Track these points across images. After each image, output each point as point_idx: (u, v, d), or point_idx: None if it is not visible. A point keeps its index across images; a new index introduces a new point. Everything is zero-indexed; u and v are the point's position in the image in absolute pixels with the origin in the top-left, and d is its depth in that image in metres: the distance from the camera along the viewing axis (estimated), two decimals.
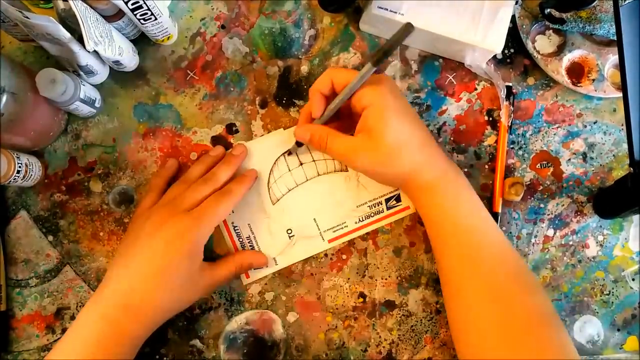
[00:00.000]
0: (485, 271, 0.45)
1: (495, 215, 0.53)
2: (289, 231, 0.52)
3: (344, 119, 0.50)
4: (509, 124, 0.54)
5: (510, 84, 0.55)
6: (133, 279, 0.44)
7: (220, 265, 0.49)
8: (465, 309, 0.45)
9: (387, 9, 0.50)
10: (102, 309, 0.44)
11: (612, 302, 0.53)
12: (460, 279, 0.46)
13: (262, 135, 0.54)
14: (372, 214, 0.53)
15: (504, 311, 0.43)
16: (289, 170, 0.53)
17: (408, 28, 0.38)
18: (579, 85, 0.55)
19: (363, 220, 0.53)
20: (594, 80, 0.55)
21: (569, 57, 0.55)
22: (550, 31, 0.56)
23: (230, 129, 0.54)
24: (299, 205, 0.53)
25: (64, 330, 0.51)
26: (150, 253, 0.45)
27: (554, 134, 0.55)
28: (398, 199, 0.53)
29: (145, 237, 0.45)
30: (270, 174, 0.53)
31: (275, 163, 0.53)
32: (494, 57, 0.55)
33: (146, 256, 0.45)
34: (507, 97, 0.54)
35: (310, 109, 0.49)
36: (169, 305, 0.46)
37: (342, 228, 0.53)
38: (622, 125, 0.55)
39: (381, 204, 0.53)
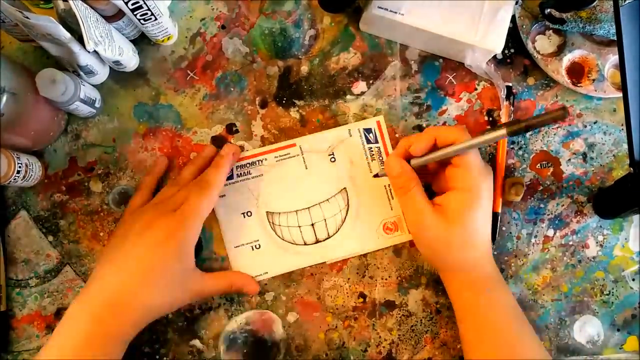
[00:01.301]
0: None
1: (495, 216, 0.53)
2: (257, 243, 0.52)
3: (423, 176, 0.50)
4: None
5: (510, 84, 0.55)
6: (121, 277, 0.44)
7: (211, 277, 0.49)
8: None
9: (387, 9, 0.50)
10: (89, 307, 0.43)
11: (612, 302, 0.53)
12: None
13: (262, 134, 0.54)
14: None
15: None
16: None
17: (563, 114, 0.36)
18: (579, 85, 0.55)
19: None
20: (594, 80, 0.55)
21: (569, 57, 0.55)
22: (550, 31, 0.56)
23: (230, 129, 0.54)
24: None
25: None
26: (139, 252, 0.45)
27: (554, 134, 0.55)
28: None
29: (134, 236, 0.45)
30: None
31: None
32: (494, 57, 0.55)
33: (134, 255, 0.45)
34: (507, 97, 0.54)
35: (414, 142, 0.47)
36: (157, 304, 0.45)
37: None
38: (622, 125, 0.55)
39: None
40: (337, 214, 0.52)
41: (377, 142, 0.54)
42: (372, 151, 0.53)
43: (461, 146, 0.45)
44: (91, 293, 0.44)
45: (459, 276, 0.48)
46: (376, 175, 0.53)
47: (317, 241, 0.52)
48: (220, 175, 0.49)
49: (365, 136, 0.54)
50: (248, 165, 0.53)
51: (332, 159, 0.53)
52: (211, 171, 0.49)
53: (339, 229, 0.52)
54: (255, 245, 0.52)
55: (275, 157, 0.53)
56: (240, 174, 0.53)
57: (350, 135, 0.53)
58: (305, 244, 0.52)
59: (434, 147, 0.47)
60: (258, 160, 0.53)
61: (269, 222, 0.52)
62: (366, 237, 0.52)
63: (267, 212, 0.52)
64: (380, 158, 0.53)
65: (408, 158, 0.48)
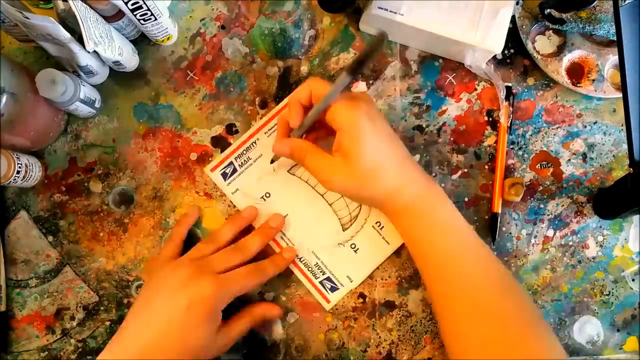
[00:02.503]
0: (469, 290, 0.44)
1: (495, 216, 0.53)
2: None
3: (322, 129, 0.49)
4: (509, 125, 0.54)
5: (510, 84, 0.55)
6: (151, 336, 0.43)
7: (234, 324, 0.48)
8: (455, 326, 0.45)
9: (387, 9, 0.50)
10: (122, 356, 0.43)
11: (612, 303, 0.53)
12: (445, 299, 0.45)
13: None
14: (310, 269, 0.52)
15: (491, 325, 0.43)
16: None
17: (383, 37, 0.37)
18: (579, 85, 0.55)
19: (302, 260, 0.52)
20: (594, 80, 0.55)
21: (568, 58, 0.55)
22: (550, 31, 0.56)
23: (230, 129, 0.54)
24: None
25: (63, 331, 0.51)
26: (171, 312, 0.43)
27: (554, 135, 0.55)
28: (333, 289, 0.52)
29: (169, 292, 0.44)
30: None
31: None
32: (494, 57, 0.55)
33: (166, 316, 0.44)
34: (507, 97, 0.54)
35: (288, 118, 0.48)
36: None
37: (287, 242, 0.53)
38: (622, 125, 0.55)
39: (323, 274, 0.52)
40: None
41: None
42: None
43: (320, 103, 0.44)
44: (121, 345, 0.44)
45: (389, 208, 0.46)
46: (272, 161, 0.52)
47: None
48: (276, 273, 0.50)
49: None
50: (244, 152, 0.53)
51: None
52: (271, 266, 0.49)
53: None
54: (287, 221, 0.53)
55: (265, 132, 0.53)
56: (242, 163, 0.53)
57: None
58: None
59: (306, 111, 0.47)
60: (251, 143, 0.53)
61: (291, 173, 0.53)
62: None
63: (270, 162, 0.52)
64: None
65: (289, 133, 0.49)
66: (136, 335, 0.44)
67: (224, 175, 0.53)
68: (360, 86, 0.55)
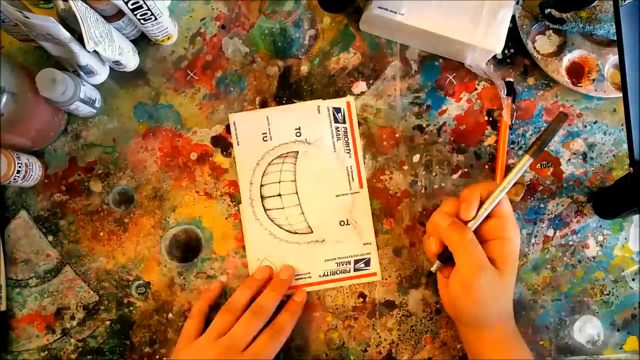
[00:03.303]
0: None
1: None
2: (258, 260, 0.52)
3: None
4: (512, 122, 0.54)
5: (512, 80, 0.55)
6: None
7: None
8: None
9: (387, 9, 0.50)
10: None
11: (612, 302, 0.53)
12: None
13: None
14: (338, 272, 0.52)
15: None
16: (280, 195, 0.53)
17: (563, 118, 0.38)
18: (579, 85, 0.55)
19: (327, 276, 0.52)
20: (594, 80, 0.55)
21: (569, 57, 0.55)
22: (550, 31, 0.56)
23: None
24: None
25: (63, 331, 0.51)
26: None
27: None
28: (367, 263, 0.52)
29: None
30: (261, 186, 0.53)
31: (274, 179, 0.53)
32: (494, 57, 0.55)
33: None
34: (508, 93, 0.54)
35: (462, 209, 0.46)
36: None
37: (304, 277, 0.52)
38: (622, 125, 0.55)
39: (349, 264, 0.52)
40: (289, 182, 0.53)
41: (344, 122, 0.54)
42: (339, 131, 0.54)
43: (499, 191, 0.45)
44: None
45: (489, 332, 0.46)
46: (430, 274, 0.49)
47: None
48: (294, 321, 0.49)
49: (334, 115, 0.54)
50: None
51: (298, 134, 0.53)
52: (287, 317, 0.49)
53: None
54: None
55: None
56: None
57: (319, 112, 0.54)
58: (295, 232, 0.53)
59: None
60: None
61: (263, 207, 0.53)
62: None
63: (261, 197, 0.53)
64: (346, 139, 0.54)
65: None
66: None
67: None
68: (360, 86, 0.55)
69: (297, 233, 0.52)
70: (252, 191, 0.53)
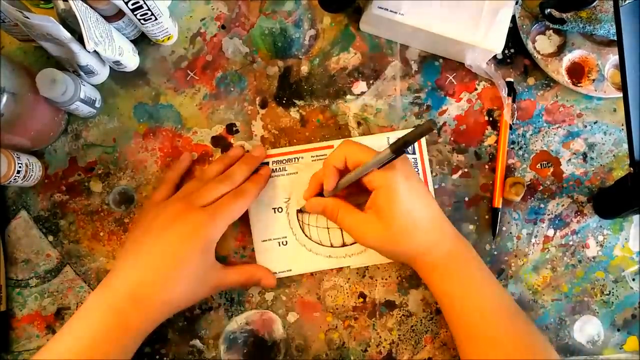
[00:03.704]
0: (495, 345, 0.45)
1: (495, 211, 0.53)
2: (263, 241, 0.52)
3: (354, 186, 0.50)
4: (513, 122, 0.54)
5: (512, 80, 0.55)
6: (143, 271, 0.44)
7: (231, 271, 0.49)
8: None
9: (387, 9, 0.50)
10: (110, 299, 0.43)
11: (612, 302, 0.53)
12: (472, 352, 0.46)
13: (262, 134, 0.54)
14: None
15: None
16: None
17: (430, 125, 0.39)
18: (579, 85, 0.55)
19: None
20: (594, 80, 0.55)
21: (569, 57, 0.55)
22: (551, 31, 0.56)
23: (231, 129, 0.54)
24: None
25: None
26: (163, 246, 0.44)
27: (554, 134, 0.55)
28: None
29: (158, 229, 0.45)
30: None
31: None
32: (494, 57, 0.55)
33: (158, 249, 0.44)
34: (509, 93, 0.54)
35: (323, 181, 0.48)
36: (177, 299, 0.45)
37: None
38: (622, 125, 0.55)
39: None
40: None
41: (414, 153, 0.53)
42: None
43: (356, 172, 0.46)
44: (112, 285, 0.44)
45: (420, 264, 0.47)
46: (300, 210, 0.52)
47: (344, 244, 0.52)
48: (258, 190, 0.50)
49: None
50: (284, 161, 0.53)
51: None
52: (250, 184, 0.49)
53: None
54: (283, 242, 0.52)
55: (312, 156, 0.53)
56: (276, 169, 0.53)
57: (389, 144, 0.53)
58: (331, 245, 0.52)
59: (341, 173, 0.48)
60: (295, 158, 0.53)
61: (299, 220, 0.52)
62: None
63: (298, 210, 0.52)
64: (416, 170, 0.53)
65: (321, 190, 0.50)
66: (127, 272, 0.44)
67: (255, 171, 0.53)
68: (360, 86, 0.55)
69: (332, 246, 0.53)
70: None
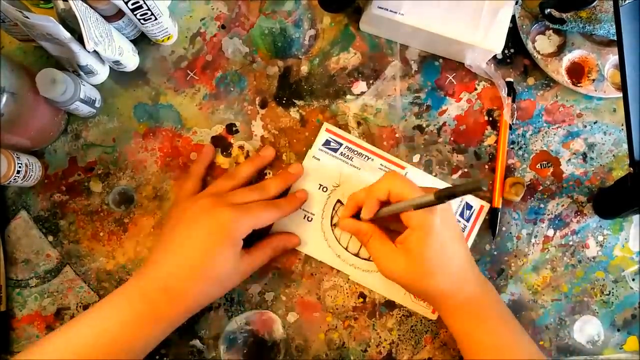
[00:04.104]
0: None
1: (495, 211, 0.53)
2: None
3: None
4: (513, 122, 0.54)
5: (512, 79, 0.55)
6: (175, 264, 0.44)
7: (256, 251, 0.49)
8: None
9: (387, 9, 0.50)
10: (143, 288, 0.44)
11: (612, 302, 0.53)
12: None
13: (262, 134, 0.54)
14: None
15: None
16: None
17: (479, 185, 0.38)
18: (579, 85, 0.55)
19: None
20: (594, 80, 0.55)
21: (569, 57, 0.55)
22: (550, 31, 0.56)
23: (230, 129, 0.54)
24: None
25: None
26: (193, 241, 0.45)
27: (554, 134, 0.55)
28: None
29: (189, 222, 0.46)
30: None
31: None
32: (494, 57, 0.55)
33: (188, 243, 0.45)
34: (509, 94, 0.54)
35: (362, 206, 0.48)
36: (207, 293, 0.46)
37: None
38: (622, 125, 0.55)
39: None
40: None
41: (468, 221, 0.53)
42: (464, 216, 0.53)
43: (396, 208, 0.46)
44: (146, 275, 0.45)
45: (444, 306, 0.47)
46: (334, 225, 0.53)
47: (357, 254, 0.52)
48: (291, 210, 0.50)
49: (465, 209, 0.53)
50: (356, 152, 0.53)
51: None
52: (285, 202, 0.50)
53: None
54: (309, 217, 0.53)
55: (381, 164, 0.53)
56: (344, 154, 0.53)
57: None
58: (346, 249, 0.52)
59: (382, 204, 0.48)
60: (366, 156, 0.53)
61: (334, 209, 0.53)
62: (396, 286, 0.49)
63: (338, 199, 0.53)
64: (465, 235, 0.53)
65: (359, 212, 0.49)
66: (160, 265, 0.45)
67: (327, 143, 0.53)
68: (360, 86, 0.55)
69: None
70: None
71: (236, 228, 0.45)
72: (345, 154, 0.53)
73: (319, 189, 0.53)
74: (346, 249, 0.52)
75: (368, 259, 0.52)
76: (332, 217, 0.53)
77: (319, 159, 0.53)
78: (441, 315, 0.49)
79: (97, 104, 0.52)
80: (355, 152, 0.53)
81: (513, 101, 0.54)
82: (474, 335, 0.47)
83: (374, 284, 0.52)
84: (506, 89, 0.54)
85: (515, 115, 0.54)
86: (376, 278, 0.52)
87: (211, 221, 0.45)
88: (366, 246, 0.49)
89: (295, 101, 0.54)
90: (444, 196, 0.41)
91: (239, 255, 0.46)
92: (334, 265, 0.52)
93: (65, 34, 0.42)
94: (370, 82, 0.55)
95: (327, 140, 0.53)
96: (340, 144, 0.53)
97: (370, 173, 0.53)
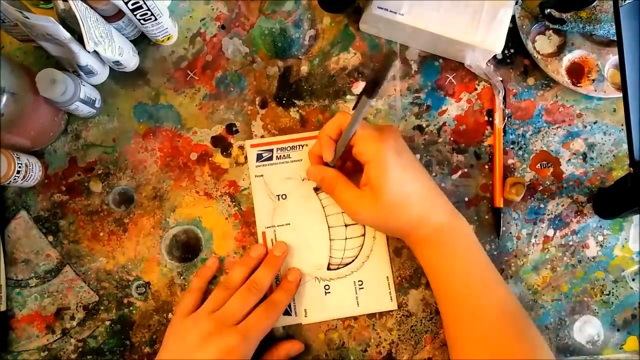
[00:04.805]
0: (483, 327, 0.45)
1: (497, 211, 0.53)
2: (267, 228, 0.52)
3: (353, 164, 0.50)
4: (503, 126, 0.54)
5: (501, 78, 0.55)
6: None
7: None
8: (461, 349, 0.46)
9: (387, 9, 0.50)
10: None
11: (612, 302, 0.53)
12: (459, 333, 0.46)
13: (262, 134, 0.54)
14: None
15: (494, 350, 0.44)
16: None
17: (392, 56, 0.38)
18: (579, 85, 0.55)
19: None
20: (594, 80, 0.55)
21: (569, 58, 0.55)
22: (550, 31, 0.56)
23: (230, 129, 0.54)
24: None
25: (63, 331, 0.51)
26: None
27: (554, 134, 0.55)
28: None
29: (193, 349, 0.45)
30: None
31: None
32: (494, 57, 0.55)
33: None
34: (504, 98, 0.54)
35: (321, 152, 0.48)
36: None
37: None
38: (622, 125, 0.55)
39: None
40: (357, 238, 0.53)
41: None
42: None
43: (346, 131, 0.45)
44: None
45: (412, 238, 0.48)
46: (316, 189, 0.53)
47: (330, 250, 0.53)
48: (289, 298, 0.50)
49: None
50: (288, 148, 0.53)
51: None
52: (281, 294, 0.49)
53: (354, 258, 0.52)
54: (287, 228, 0.53)
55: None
56: (279, 156, 0.53)
57: None
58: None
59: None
60: (299, 145, 0.53)
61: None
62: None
63: (312, 188, 0.53)
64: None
65: (325, 162, 0.50)
66: None
67: (259, 157, 0.53)
68: (360, 86, 0.55)
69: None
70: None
71: (243, 352, 0.45)
72: (280, 155, 0.53)
73: (280, 200, 0.53)
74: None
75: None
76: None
77: (262, 175, 0.53)
78: (412, 250, 0.49)
79: (97, 104, 0.52)
80: (288, 148, 0.53)
81: (505, 105, 0.54)
82: (442, 267, 0.47)
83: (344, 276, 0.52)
84: (503, 91, 0.54)
85: (506, 120, 0.54)
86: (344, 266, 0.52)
87: (216, 349, 0.44)
88: (333, 195, 0.49)
89: (295, 101, 0.54)
90: (370, 88, 0.39)
91: None
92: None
93: (65, 34, 0.42)
94: None
95: (257, 155, 0.53)
96: (271, 150, 0.53)
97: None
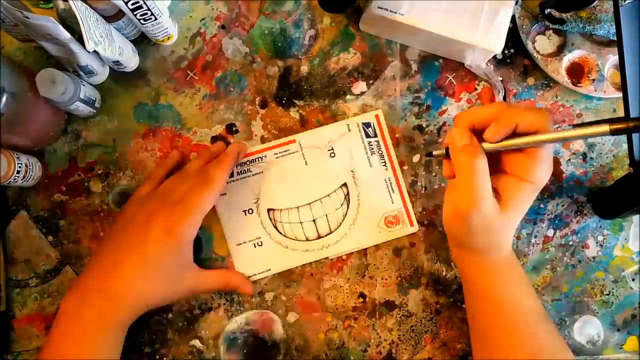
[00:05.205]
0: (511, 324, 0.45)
1: None
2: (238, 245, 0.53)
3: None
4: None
5: (501, 78, 0.55)
6: (119, 268, 0.44)
7: (207, 274, 0.49)
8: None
9: (387, 9, 0.50)
10: (88, 297, 0.44)
11: (612, 302, 0.53)
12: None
13: (262, 134, 0.54)
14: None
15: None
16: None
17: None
18: (579, 85, 0.55)
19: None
20: (594, 80, 0.55)
21: (569, 58, 0.55)
22: (550, 31, 0.56)
23: (230, 129, 0.54)
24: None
25: None
26: (136, 243, 0.45)
27: None
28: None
29: (134, 227, 0.46)
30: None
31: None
32: (494, 57, 0.55)
33: (132, 245, 0.45)
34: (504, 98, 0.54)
35: (493, 127, 0.40)
36: (153, 297, 0.46)
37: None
38: None
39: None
40: (338, 209, 0.53)
41: (376, 136, 0.54)
42: (372, 145, 0.54)
43: (547, 138, 0.38)
44: (89, 281, 0.45)
45: (478, 259, 0.46)
46: (429, 154, 0.47)
47: (319, 236, 0.52)
48: (223, 172, 0.48)
49: (365, 130, 0.54)
50: (248, 162, 0.53)
51: (332, 154, 0.53)
52: (214, 167, 0.48)
53: (340, 224, 0.52)
54: (258, 243, 0.52)
55: (275, 154, 0.53)
56: (241, 171, 0.53)
57: (349, 130, 0.54)
58: (307, 239, 0.52)
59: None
60: (258, 158, 0.53)
61: (271, 219, 0.52)
62: (368, 231, 0.52)
63: (268, 209, 0.53)
64: (380, 152, 0.53)
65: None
66: (104, 269, 0.45)
67: None
68: (360, 86, 0.55)
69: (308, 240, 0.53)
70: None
71: (182, 230, 0.45)
72: (241, 171, 0.53)
73: (246, 214, 0.53)
74: (307, 239, 0.52)
75: (328, 234, 0.52)
76: (275, 227, 0.52)
77: (225, 193, 0.53)
78: (467, 269, 0.47)
79: (97, 104, 0.52)
80: (247, 163, 0.53)
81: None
82: (505, 296, 0.45)
83: (346, 243, 0.52)
84: (503, 91, 0.54)
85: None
86: (341, 236, 0.52)
87: (156, 225, 0.45)
88: (464, 172, 0.40)
89: (295, 101, 0.54)
90: (625, 127, 0.33)
91: (186, 264, 0.47)
92: (309, 260, 0.52)
93: (65, 34, 0.42)
94: (370, 82, 0.55)
95: None
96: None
97: (272, 167, 0.53)
